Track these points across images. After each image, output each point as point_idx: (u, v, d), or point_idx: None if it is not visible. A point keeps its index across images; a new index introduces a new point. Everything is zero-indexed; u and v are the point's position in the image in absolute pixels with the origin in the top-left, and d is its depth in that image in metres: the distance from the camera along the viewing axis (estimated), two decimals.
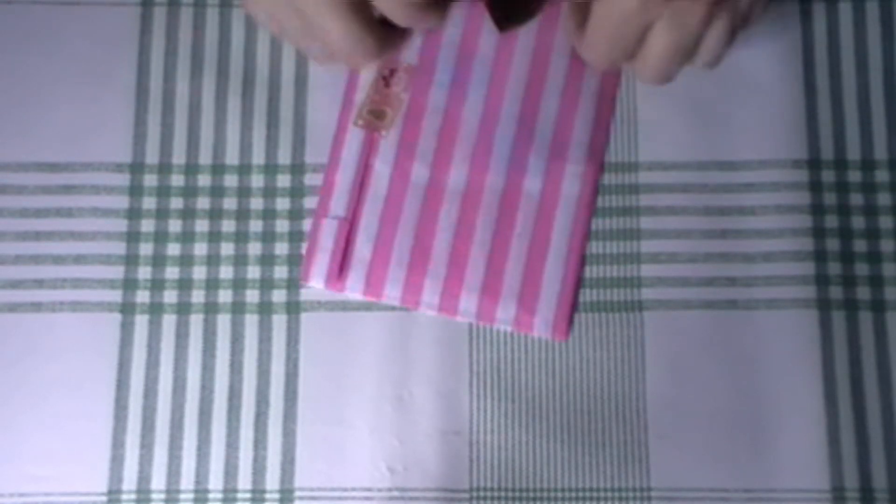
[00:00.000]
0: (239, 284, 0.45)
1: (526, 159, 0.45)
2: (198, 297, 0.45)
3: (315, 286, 0.44)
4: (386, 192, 0.45)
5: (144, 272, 0.45)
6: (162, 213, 0.45)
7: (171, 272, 0.45)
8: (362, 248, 0.44)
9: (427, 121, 0.45)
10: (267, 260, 0.45)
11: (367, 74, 0.46)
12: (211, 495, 0.43)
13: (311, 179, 0.46)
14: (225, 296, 0.45)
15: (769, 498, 0.42)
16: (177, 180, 0.46)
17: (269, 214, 0.45)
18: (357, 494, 0.43)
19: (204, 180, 0.46)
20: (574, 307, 0.44)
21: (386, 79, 0.46)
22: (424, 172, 0.45)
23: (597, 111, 0.45)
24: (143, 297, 0.44)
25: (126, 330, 0.44)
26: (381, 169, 0.45)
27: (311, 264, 0.44)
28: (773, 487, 0.42)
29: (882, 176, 0.45)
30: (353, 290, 0.44)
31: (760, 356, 0.44)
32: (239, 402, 0.44)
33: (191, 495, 0.43)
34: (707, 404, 0.43)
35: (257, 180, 0.46)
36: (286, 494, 0.43)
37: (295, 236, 0.45)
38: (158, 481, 0.43)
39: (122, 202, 0.45)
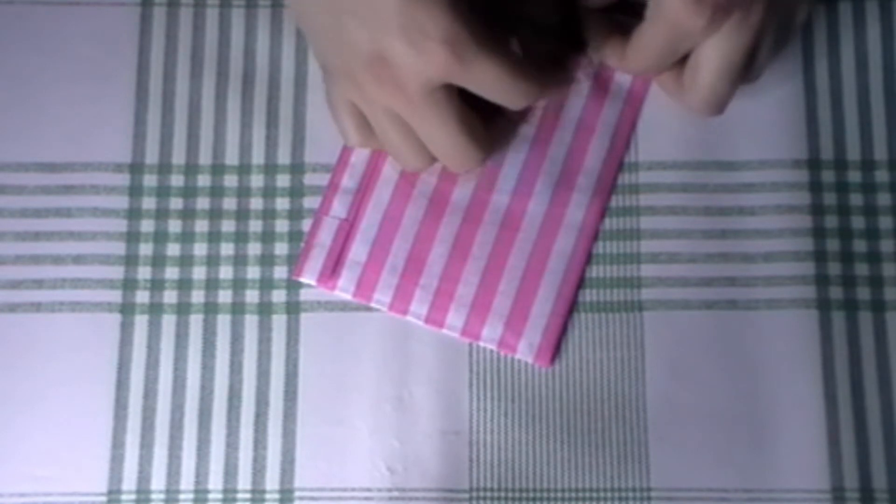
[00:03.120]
0: (238, 285, 0.45)
1: (533, 183, 0.45)
2: (197, 297, 0.45)
3: (306, 281, 0.44)
4: (389, 197, 0.45)
5: (144, 272, 0.45)
6: (162, 214, 0.45)
7: (171, 272, 0.45)
8: (358, 251, 0.44)
9: None
10: (266, 260, 0.45)
11: None
12: (211, 495, 0.43)
13: (311, 179, 0.46)
14: (224, 296, 0.45)
15: (769, 498, 0.42)
16: (176, 180, 0.46)
17: (268, 214, 0.45)
18: (357, 494, 0.43)
19: (204, 180, 0.46)
20: (562, 336, 0.44)
21: None
22: (430, 183, 0.45)
23: (611, 146, 0.45)
24: (142, 297, 0.44)
25: (126, 330, 0.44)
26: (389, 174, 0.45)
27: (305, 260, 0.44)
28: (773, 487, 0.42)
29: (882, 176, 0.45)
30: (344, 289, 0.44)
31: (760, 356, 0.44)
32: (239, 403, 0.44)
33: (190, 495, 0.43)
34: (707, 404, 0.43)
35: (257, 180, 0.46)
36: (286, 494, 0.43)
37: (295, 236, 0.45)
38: (158, 481, 0.43)
39: (122, 202, 0.45)
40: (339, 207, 0.45)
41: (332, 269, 0.44)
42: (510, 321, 0.44)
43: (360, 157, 0.45)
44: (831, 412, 0.43)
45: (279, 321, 0.44)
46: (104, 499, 0.43)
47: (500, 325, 0.44)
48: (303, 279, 0.44)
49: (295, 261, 0.45)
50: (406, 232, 0.45)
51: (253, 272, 0.45)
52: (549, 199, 0.45)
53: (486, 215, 0.45)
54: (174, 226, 0.45)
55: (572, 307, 0.44)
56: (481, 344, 0.44)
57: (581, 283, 0.45)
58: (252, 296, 0.45)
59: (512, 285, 0.44)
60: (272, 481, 0.43)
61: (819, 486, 0.42)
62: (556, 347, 0.44)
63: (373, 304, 0.44)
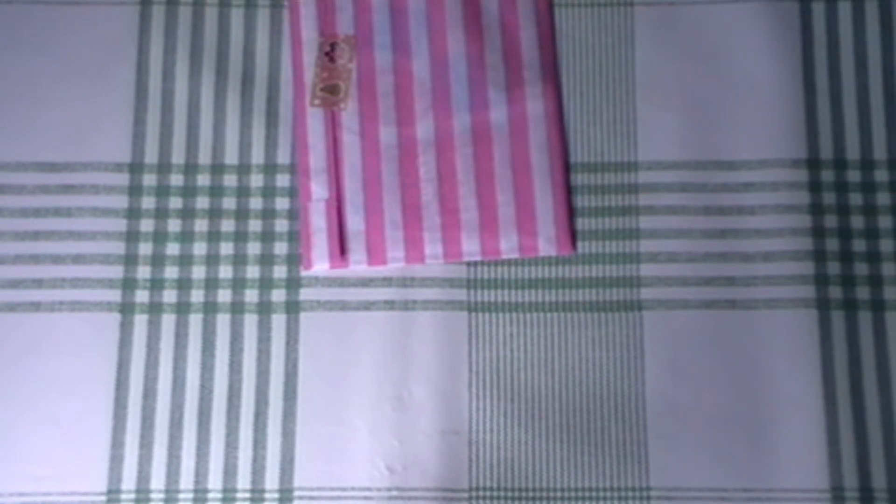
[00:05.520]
0: (238, 284, 0.45)
1: (485, 94, 0.46)
2: (197, 296, 0.45)
3: (319, 269, 0.44)
4: (360, 161, 0.45)
5: (144, 272, 0.45)
6: (161, 213, 0.45)
7: (171, 272, 0.45)
8: (354, 221, 0.45)
9: (380, 84, 0.46)
10: (266, 259, 0.45)
11: (310, 55, 0.46)
12: (210, 495, 0.43)
13: None
14: (224, 295, 0.45)
15: (768, 497, 0.42)
16: (176, 180, 0.46)
17: (268, 214, 0.45)
18: (356, 494, 0.43)
19: (203, 180, 0.46)
20: (572, 220, 0.45)
21: (329, 54, 0.46)
22: (392, 132, 0.46)
23: (538, 31, 0.47)
24: (142, 296, 0.44)
25: (125, 329, 0.44)
26: (350, 140, 0.46)
27: (309, 249, 0.45)
28: (773, 487, 0.42)
29: (881, 176, 0.45)
30: (357, 262, 0.44)
31: (760, 356, 0.44)
32: (238, 402, 0.44)
33: (190, 495, 0.43)
34: (706, 404, 0.43)
35: (256, 180, 0.46)
36: (285, 494, 0.43)
37: (294, 236, 0.45)
38: (158, 481, 0.43)
39: (122, 202, 0.45)
40: (318, 189, 0.45)
41: (339, 247, 0.44)
42: (521, 225, 0.45)
43: (316, 135, 0.46)
44: (831, 412, 0.43)
45: (279, 321, 0.44)
46: (104, 498, 0.43)
47: (514, 233, 0.45)
48: (315, 269, 0.44)
49: (295, 260, 0.45)
50: (390, 185, 0.45)
51: (252, 272, 0.45)
52: (505, 103, 0.46)
53: (456, 140, 0.46)
54: (174, 225, 0.45)
55: (569, 192, 0.45)
56: (504, 257, 0.44)
57: (568, 168, 0.45)
58: (252, 295, 0.45)
59: (507, 193, 0.45)
60: (272, 481, 0.43)
61: (818, 485, 0.42)
62: (572, 233, 0.45)
63: (390, 264, 0.44)
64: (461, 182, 0.45)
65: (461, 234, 0.45)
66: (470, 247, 0.45)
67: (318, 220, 0.45)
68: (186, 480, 0.43)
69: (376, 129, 0.45)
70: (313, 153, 0.45)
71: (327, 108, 0.46)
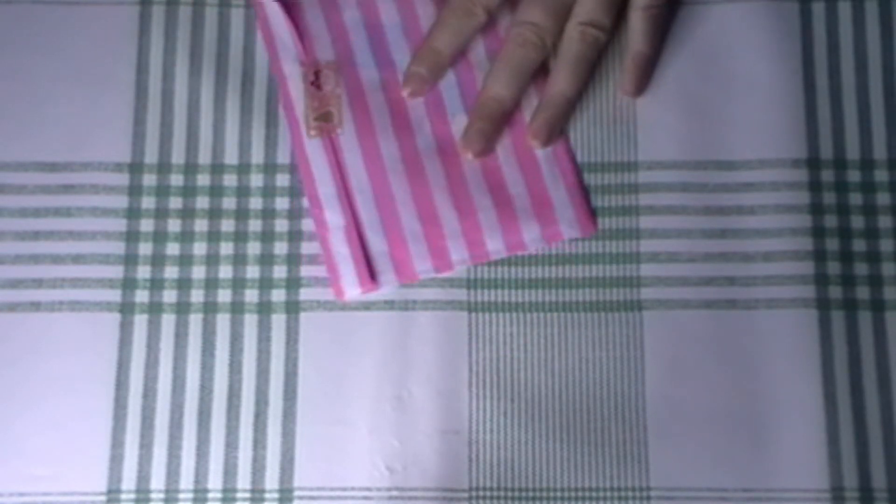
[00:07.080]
0: (238, 284, 0.45)
1: (476, 93, 0.46)
2: (197, 296, 0.45)
3: (352, 297, 0.44)
4: (368, 181, 0.45)
5: (144, 272, 0.45)
6: (161, 213, 0.45)
7: (171, 272, 0.45)
8: (375, 243, 0.45)
9: (371, 102, 0.46)
10: (266, 259, 0.45)
11: (296, 89, 0.46)
12: (210, 495, 0.43)
13: None
14: (224, 295, 0.45)
15: (768, 497, 0.42)
16: (176, 180, 0.46)
17: (268, 214, 0.45)
18: (356, 494, 0.43)
19: (203, 180, 0.46)
20: (588, 200, 0.45)
21: (314, 83, 0.46)
22: (393, 147, 0.46)
23: None
24: (142, 296, 0.44)
25: (125, 330, 0.44)
26: (353, 163, 0.45)
27: (338, 279, 0.44)
28: (773, 487, 0.42)
29: (881, 175, 0.45)
30: (388, 283, 0.44)
31: (760, 356, 0.44)
32: (238, 402, 0.44)
33: (190, 495, 0.43)
34: (706, 404, 0.43)
35: (256, 179, 0.46)
36: (285, 494, 0.43)
37: (294, 236, 0.45)
38: (158, 481, 0.43)
39: (122, 202, 0.45)
40: (333, 217, 0.45)
41: (368, 271, 0.44)
42: (539, 215, 0.45)
43: (319, 164, 0.45)
44: (830, 412, 0.43)
45: (279, 321, 0.44)
46: (104, 498, 0.43)
47: (534, 223, 0.45)
48: (347, 296, 0.44)
49: (295, 260, 0.45)
50: (403, 200, 0.45)
51: (252, 271, 0.45)
52: None
53: (457, 144, 0.46)
54: (173, 225, 0.45)
55: (578, 171, 0.45)
56: (530, 250, 0.44)
57: (571, 151, 0.46)
58: (251, 295, 0.45)
59: (518, 185, 0.45)
60: (272, 481, 0.43)
61: (818, 485, 0.42)
62: (590, 211, 0.45)
63: (420, 278, 0.44)
64: (469, 182, 0.45)
65: (483, 236, 0.45)
66: (494, 246, 0.45)
67: (341, 248, 0.45)
68: (186, 480, 0.43)
69: (377, 146, 0.45)
70: (320, 183, 0.45)
71: (325, 136, 0.45)
